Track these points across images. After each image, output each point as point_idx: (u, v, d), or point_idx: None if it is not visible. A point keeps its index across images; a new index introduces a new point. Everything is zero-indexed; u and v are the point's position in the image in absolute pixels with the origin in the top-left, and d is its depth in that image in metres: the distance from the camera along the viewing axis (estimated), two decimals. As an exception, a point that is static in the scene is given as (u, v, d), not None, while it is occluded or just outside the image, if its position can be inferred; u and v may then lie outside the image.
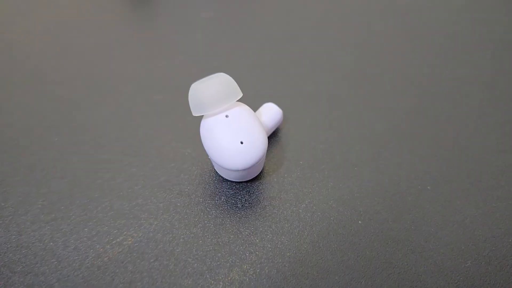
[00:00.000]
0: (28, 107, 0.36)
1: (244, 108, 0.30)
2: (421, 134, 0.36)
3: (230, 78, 0.30)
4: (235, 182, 0.32)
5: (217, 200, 0.31)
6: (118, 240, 0.29)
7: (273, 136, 0.35)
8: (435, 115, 0.37)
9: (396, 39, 0.43)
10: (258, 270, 0.28)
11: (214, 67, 0.40)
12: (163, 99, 0.37)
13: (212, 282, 0.28)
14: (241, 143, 0.29)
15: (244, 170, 0.30)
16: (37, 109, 0.36)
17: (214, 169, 0.33)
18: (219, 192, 0.32)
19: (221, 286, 0.27)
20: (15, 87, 0.38)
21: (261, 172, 0.33)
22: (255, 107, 0.35)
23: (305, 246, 0.29)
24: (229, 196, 0.32)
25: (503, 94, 0.39)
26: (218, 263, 0.28)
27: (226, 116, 0.30)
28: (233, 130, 0.29)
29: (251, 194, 0.32)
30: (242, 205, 0.31)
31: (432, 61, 0.41)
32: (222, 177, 0.32)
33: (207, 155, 0.33)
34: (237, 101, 0.32)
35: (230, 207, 0.31)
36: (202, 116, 0.31)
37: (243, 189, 0.32)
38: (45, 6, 0.45)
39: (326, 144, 0.35)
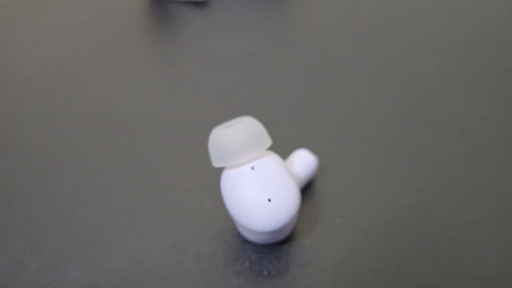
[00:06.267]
0: (33, 149, 0.33)
1: (273, 158, 0.26)
2: (481, 187, 0.30)
3: (258, 123, 0.26)
4: (261, 244, 0.28)
5: (240, 266, 0.27)
6: (121, 313, 0.25)
7: (306, 189, 0.30)
8: (494, 164, 0.32)
9: (447, 79, 0.38)
10: None
11: (241, 107, 0.36)
12: (184, 143, 0.33)
13: None
14: (269, 200, 0.25)
15: (272, 232, 0.25)
16: (43, 152, 0.33)
17: (237, 228, 0.28)
18: (242, 256, 0.27)
19: None
20: (23, 126, 0.35)
21: (292, 232, 0.28)
22: (286, 153, 0.31)
23: (345, 329, 0.24)
24: (253, 261, 0.27)
25: None
26: None
27: (252, 167, 0.25)
28: (259, 184, 0.25)
29: (280, 260, 0.27)
30: (268, 273, 0.26)
31: (486, 104, 0.36)
32: (245, 237, 0.28)
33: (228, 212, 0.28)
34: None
35: (254, 275, 0.26)
36: (224, 167, 0.26)
37: (270, 253, 0.27)
38: (62, 38, 0.42)
39: (370, 199, 0.30)
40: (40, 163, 0.32)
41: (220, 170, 0.27)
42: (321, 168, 0.31)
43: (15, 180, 0.31)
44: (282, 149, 0.31)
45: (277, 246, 0.28)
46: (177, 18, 0.45)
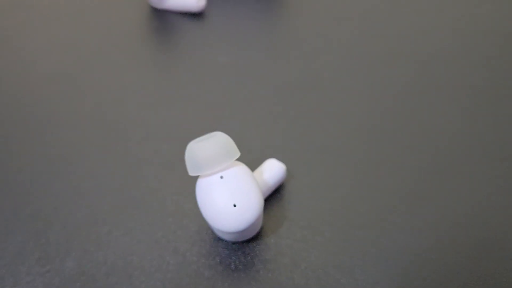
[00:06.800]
0: (36, 151, 0.37)
1: (241, 169, 0.30)
2: (437, 197, 0.34)
3: (228, 137, 0.30)
4: (231, 241, 0.32)
5: (212, 261, 0.31)
6: (107, 298, 0.29)
7: (275, 193, 0.34)
8: (453, 176, 0.35)
9: (416, 92, 0.42)
10: None
11: (223, 118, 0.40)
12: (169, 150, 0.37)
13: None
14: (234, 205, 0.29)
15: (237, 232, 0.29)
16: (45, 154, 0.37)
17: (211, 227, 0.32)
18: (214, 252, 0.31)
19: None
20: (27, 130, 0.39)
21: (260, 231, 0.32)
22: (261, 159, 0.35)
23: (296, 317, 0.28)
24: (223, 256, 0.31)
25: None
26: (204, 330, 0.28)
27: (221, 177, 0.29)
28: (226, 192, 0.29)
29: (246, 256, 0.31)
30: (235, 267, 0.30)
31: (453, 116, 0.40)
32: (218, 236, 0.32)
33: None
34: (237, 159, 0.31)
35: (223, 269, 0.30)
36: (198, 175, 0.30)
37: (239, 250, 0.31)
38: (63, 47, 0.46)
39: (330, 204, 0.34)
40: (42, 164, 0.36)
41: (197, 176, 0.31)
42: (290, 175, 0.35)
43: (20, 180, 0.35)
44: (257, 157, 0.35)
45: (246, 244, 0.32)
46: (174, 28, 0.49)
